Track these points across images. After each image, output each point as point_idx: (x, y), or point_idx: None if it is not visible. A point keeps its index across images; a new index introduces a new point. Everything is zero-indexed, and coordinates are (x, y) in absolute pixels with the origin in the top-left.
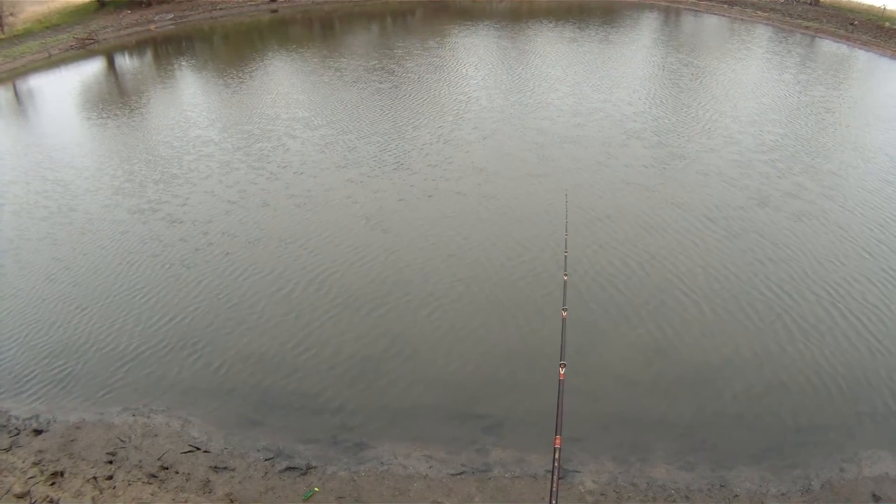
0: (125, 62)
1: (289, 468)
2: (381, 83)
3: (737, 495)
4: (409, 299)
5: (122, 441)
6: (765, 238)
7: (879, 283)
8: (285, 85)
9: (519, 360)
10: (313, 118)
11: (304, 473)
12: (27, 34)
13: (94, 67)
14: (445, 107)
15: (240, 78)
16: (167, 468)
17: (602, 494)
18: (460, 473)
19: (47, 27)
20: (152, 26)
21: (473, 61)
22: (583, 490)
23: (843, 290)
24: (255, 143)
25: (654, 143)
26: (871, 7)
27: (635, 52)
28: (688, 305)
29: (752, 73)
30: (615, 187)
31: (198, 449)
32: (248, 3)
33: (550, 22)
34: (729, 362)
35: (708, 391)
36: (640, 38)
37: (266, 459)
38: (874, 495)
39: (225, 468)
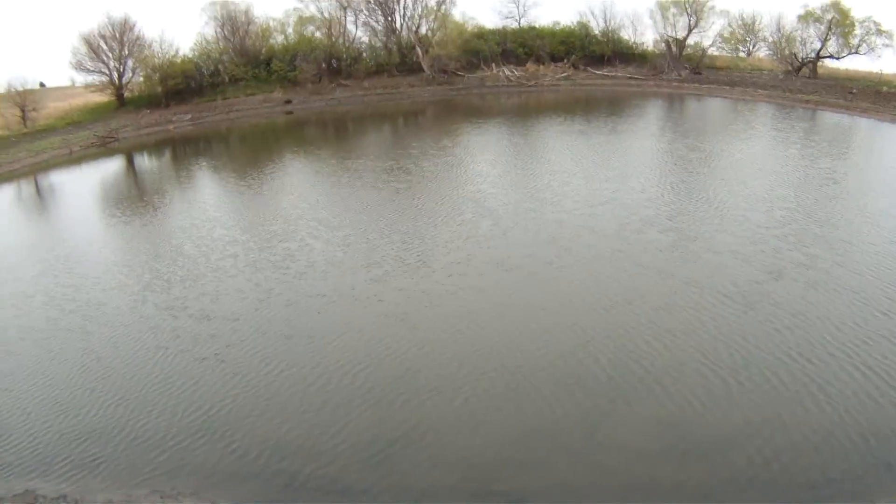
0: (144, 161)
1: None
2: (398, 183)
3: None
4: (431, 388)
5: None
6: (781, 308)
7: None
8: (304, 185)
9: (536, 440)
10: (333, 218)
11: None
12: (49, 130)
13: (114, 165)
14: (463, 205)
15: (259, 178)
16: None
17: None
18: None
19: (69, 124)
20: (171, 126)
21: (488, 158)
22: None
23: (859, 350)
24: (279, 243)
25: (668, 228)
26: (869, 73)
27: (643, 140)
28: (706, 377)
29: (757, 152)
30: (633, 272)
31: None
32: (264, 105)
33: (559, 116)
34: (742, 429)
35: (722, 458)
36: (646, 126)
37: None
38: None
39: None
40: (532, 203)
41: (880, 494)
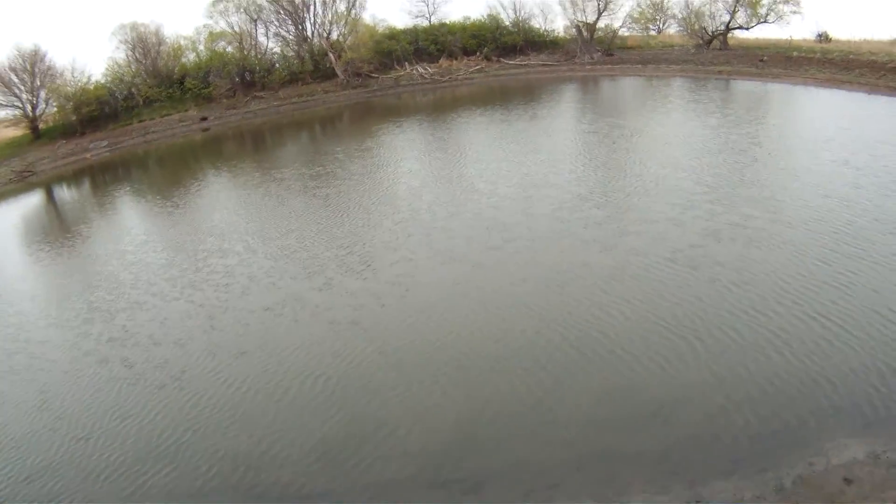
0: (65, 192)
1: None
2: (328, 188)
3: None
4: (388, 385)
5: None
6: (725, 267)
7: (837, 286)
8: (232, 200)
9: (483, 423)
10: (267, 230)
11: None
12: None
13: (34, 199)
14: (397, 203)
15: (184, 197)
16: None
17: None
18: None
19: None
20: (88, 155)
21: (415, 155)
22: None
23: (807, 298)
24: (217, 260)
25: (602, 203)
26: (778, 41)
27: (565, 122)
28: (666, 339)
29: (678, 123)
30: (577, 248)
31: None
32: (180, 124)
33: (478, 108)
34: (703, 386)
35: (671, 420)
36: (566, 109)
37: None
38: (845, 479)
39: None
40: (467, 194)
41: (830, 436)
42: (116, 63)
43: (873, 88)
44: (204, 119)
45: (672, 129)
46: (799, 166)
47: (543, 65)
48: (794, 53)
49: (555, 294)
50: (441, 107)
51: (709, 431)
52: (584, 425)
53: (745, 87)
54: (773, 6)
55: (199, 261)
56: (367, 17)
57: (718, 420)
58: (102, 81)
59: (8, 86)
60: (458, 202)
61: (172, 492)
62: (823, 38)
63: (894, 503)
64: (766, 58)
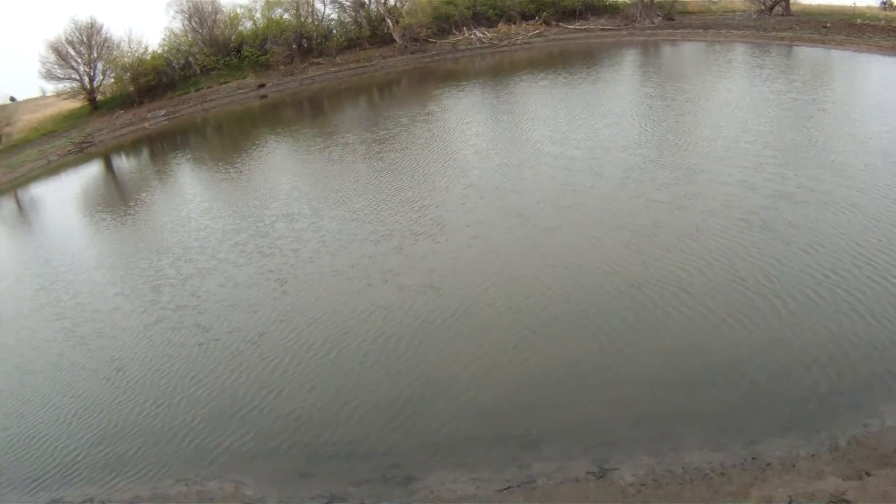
0: (123, 162)
1: None
2: (394, 152)
3: (769, 464)
4: (461, 347)
5: None
6: (798, 229)
7: None
8: (296, 165)
9: (548, 383)
10: (334, 194)
11: None
12: (25, 143)
13: (93, 170)
14: (466, 165)
15: (245, 164)
16: None
17: (642, 485)
18: (506, 489)
19: (44, 134)
20: (146, 124)
21: (480, 119)
22: (623, 484)
23: (882, 260)
24: (284, 225)
25: (673, 165)
26: (842, 7)
27: (630, 86)
28: (746, 298)
29: (742, 89)
30: (650, 208)
31: None
32: (238, 92)
33: (539, 72)
34: (743, 349)
35: (727, 380)
36: (629, 73)
37: None
38: None
39: None
40: (536, 156)
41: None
42: (173, 33)
43: None
44: (262, 86)
45: (738, 93)
46: (866, 133)
47: (603, 29)
48: (858, 20)
49: (631, 252)
50: (501, 71)
51: (768, 391)
52: (650, 384)
53: (808, 54)
54: None
55: (267, 226)
56: None
57: (778, 380)
58: (159, 52)
59: (65, 59)
60: (527, 164)
61: (250, 452)
62: (888, 5)
63: None
64: (829, 24)
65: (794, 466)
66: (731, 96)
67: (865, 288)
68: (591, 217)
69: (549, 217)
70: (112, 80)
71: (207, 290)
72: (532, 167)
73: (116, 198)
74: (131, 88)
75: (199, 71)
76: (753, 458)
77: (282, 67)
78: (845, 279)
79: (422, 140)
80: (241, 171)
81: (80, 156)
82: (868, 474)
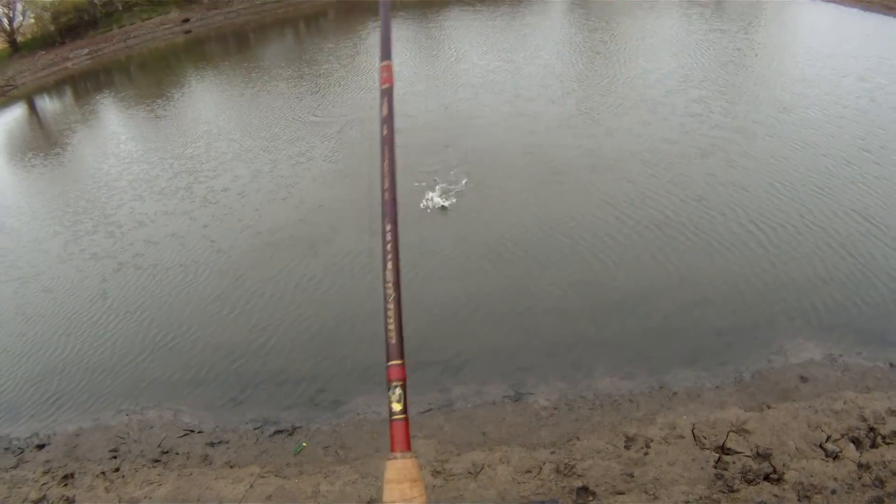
0: (47, 104)
1: (277, 432)
2: (319, 83)
3: (675, 393)
4: (370, 278)
5: (121, 438)
6: (735, 168)
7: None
8: (222, 101)
9: (468, 313)
10: (257, 127)
11: (291, 434)
12: None
13: (16, 113)
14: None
15: (171, 103)
16: (167, 452)
17: (555, 409)
18: (428, 411)
19: None
20: (69, 64)
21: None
22: (538, 407)
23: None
24: (214, 156)
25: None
26: None
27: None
28: (651, 238)
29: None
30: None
31: (192, 431)
32: (161, 27)
33: (465, 6)
34: (654, 285)
35: (638, 313)
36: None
37: (255, 428)
38: (801, 377)
39: (220, 442)
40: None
41: (790, 336)
42: None
43: (868, 6)
44: (186, 21)
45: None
46: (807, 76)
47: None
48: None
49: (557, 185)
50: (427, 5)
51: (674, 325)
52: (550, 317)
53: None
54: None
55: (201, 164)
56: None
57: (688, 314)
58: None
59: None
60: (447, 98)
61: (185, 382)
62: None
63: (844, 401)
64: None
65: (699, 396)
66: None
67: (771, 227)
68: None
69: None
70: (32, 20)
71: (132, 226)
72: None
73: (39, 142)
74: (52, 28)
75: (121, 7)
76: (660, 387)
77: (205, 1)
78: (771, 218)
79: (351, 72)
80: (169, 110)
81: (2, 99)
82: (769, 407)
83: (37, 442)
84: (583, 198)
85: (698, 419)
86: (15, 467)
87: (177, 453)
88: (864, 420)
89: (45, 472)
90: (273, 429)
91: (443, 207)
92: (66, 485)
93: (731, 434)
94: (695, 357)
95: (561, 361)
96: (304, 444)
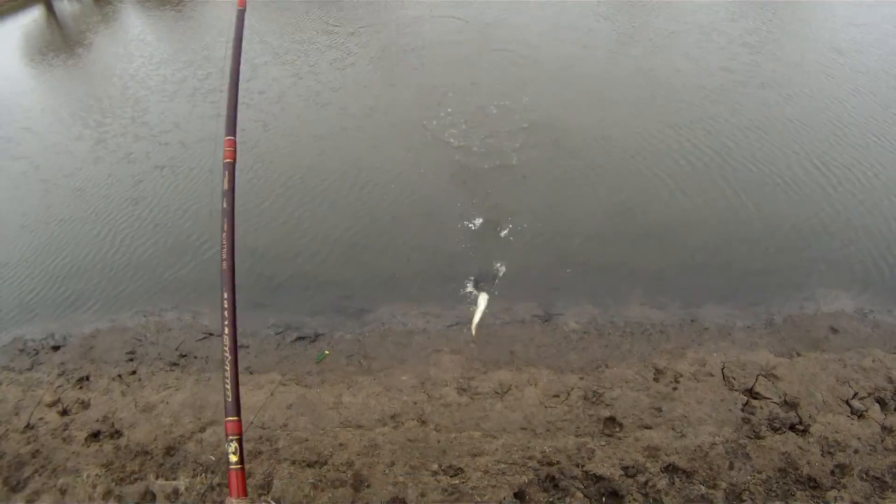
0: (65, 5)
1: (299, 338)
2: None
3: (706, 328)
4: (386, 180)
5: (138, 340)
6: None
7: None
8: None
9: (502, 227)
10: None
11: (314, 341)
12: None
13: (34, 14)
14: None
15: (198, 5)
16: (185, 355)
17: (585, 332)
18: (455, 325)
19: None
20: None
21: None
22: (567, 329)
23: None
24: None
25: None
26: None
27: None
28: (667, 165)
29: None
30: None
31: (211, 335)
32: None
33: None
34: (696, 215)
35: (673, 244)
36: None
37: (277, 334)
38: (832, 328)
39: (239, 347)
40: None
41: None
42: None
43: None
44: None
45: None
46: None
47: None
48: None
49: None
50: None
51: (710, 259)
52: (583, 239)
53: None
54: None
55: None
56: None
57: (724, 250)
58: None
59: None
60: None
61: (206, 284)
62: None
63: (873, 359)
64: None
65: (730, 335)
66: None
67: (831, 175)
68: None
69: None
70: None
71: (165, 129)
72: None
73: (63, 43)
74: None
75: None
76: (692, 321)
77: None
78: (812, 164)
79: None
80: (193, 10)
81: (19, 0)
82: (798, 354)
83: (52, 343)
84: (636, 120)
85: (728, 358)
86: (29, 369)
87: (195, 357)
88: (892, 381)
89: (60, 375)
90: (295, 335)
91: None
92: (81, 388)
93: (759, 378)
94: (728, 294)
95: (592, 285)
96: (327, 353)
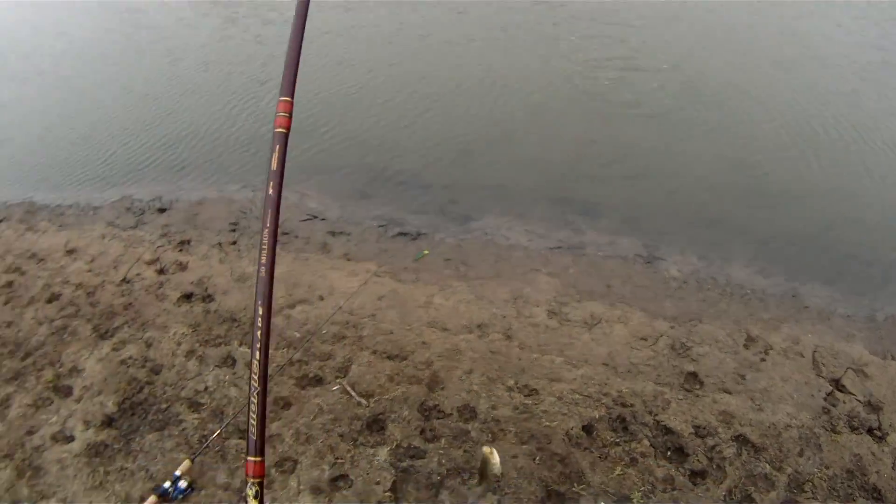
0: None
1: (400, 234)
2: None
3: (807, 307)
4: (507, 87)
5: (243, 213)
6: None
7: None
8: None
9: (616, 159)
10: None
11: (415, 238)
12: None
13: None
14: None
15: None
16: (287, 233)
17: (685, 282)
18: (557, 248)
19: None
20: None
21: None
22: (667, 275)
23: None
24: None
25: None
26: None
27: None
28: (802, 130)
29: None
30: None
31: (315, 217)
32: None
33: None
34: (820, 186)
35: (788, 212)
36: None
37: (379, 226)
38: None
39: (341, 233)
40: None
41: None
42: None
43: None
44: None
45: None
46: None
47: None
48: None
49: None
50: None
51: (825, 236)
52: (696, 186)
53: None
54: None
55: None
56: None
57: (839, 229)
58: None
59: None
60: None
61: (314, 167)
62: None
63: None
64: None
65: (829, 319)
66: None
67: None
68: None
69: None
70: None
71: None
72: None
73: None
74: None
75: None
76: (793, 296)
77: None
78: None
79: None
80: None
81: None
82: (893, 358)
83: (158, 206)
84: (777, 79)
85: (822, 343)
86: (133, 227)
87: (296, 236)
88: None
89: (163, 236)
90: (397, 230)
91: None
92: (181, 250)
93: (849, 371)
94: (834, 277)
95: (699, 236)
96: (426, 252)
